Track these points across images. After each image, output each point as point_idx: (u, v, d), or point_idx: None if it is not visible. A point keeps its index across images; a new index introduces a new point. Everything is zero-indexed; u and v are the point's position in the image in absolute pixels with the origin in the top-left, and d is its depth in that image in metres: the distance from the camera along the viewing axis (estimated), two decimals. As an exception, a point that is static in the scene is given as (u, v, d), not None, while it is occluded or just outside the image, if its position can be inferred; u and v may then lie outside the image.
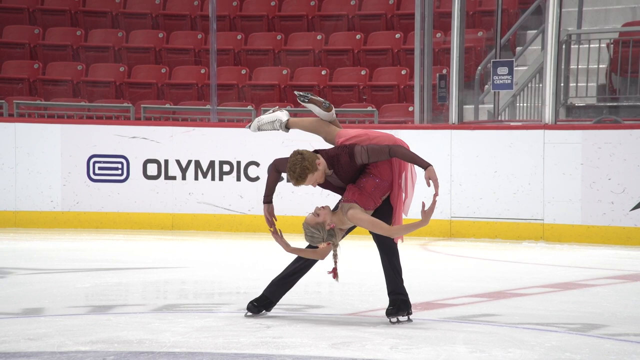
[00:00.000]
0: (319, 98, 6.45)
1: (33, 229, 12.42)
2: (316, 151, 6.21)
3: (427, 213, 6.01)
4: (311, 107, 6.44)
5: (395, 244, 6.29)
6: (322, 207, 6.17)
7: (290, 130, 6.62)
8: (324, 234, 6.13)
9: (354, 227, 6.29)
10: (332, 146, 6.38)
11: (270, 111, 6.66)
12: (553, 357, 5.42)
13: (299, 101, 6.55)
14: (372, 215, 6.17)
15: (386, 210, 6.25)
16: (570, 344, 5.78)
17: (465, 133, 11.70)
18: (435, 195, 6.03)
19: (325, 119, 6.46)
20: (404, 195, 6.28)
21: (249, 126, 6.70)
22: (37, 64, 15.65)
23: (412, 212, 6.44)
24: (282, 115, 6.59)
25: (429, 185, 6.04)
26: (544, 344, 5.75)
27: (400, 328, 6.16)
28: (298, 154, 6.10)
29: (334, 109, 6.47)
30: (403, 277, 6.32)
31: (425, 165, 6.04)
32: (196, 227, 12.39)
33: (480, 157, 11.57)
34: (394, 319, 6.29)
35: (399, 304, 6.28)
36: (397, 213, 6.27)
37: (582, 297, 7.71)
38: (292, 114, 6.68)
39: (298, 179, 6.08)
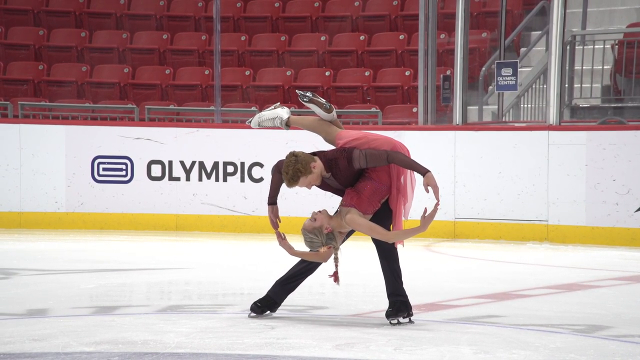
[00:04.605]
0: (320, 99, 6.45)
1: (37, 230, 12.43)
2: (314, 153, 6.21)
3: (426, 219, 6.00)
4: (312, 107, 6.44)
5: (395, 248, 6.29)
6: (319, 211, 6.16)
7: (291, 128, 6.61)
8: (322, 238, 6.12)
9: (354, 230, 6.29)
10: (332, 146, 6.38)
11: (272, 107, 6.66)
12: (557, 358, 5.42)
13: (300, 100, 6.56)
14: (372, 218, 6.16)
15: (386, 214, 6.24)
16: (574, 345, 5.77)
17: (469, 134, 11.69)
18: (437, 203, 6.01)
19: (326, 119, 6.46)
20: (403, 199, 6.27)
21: (250, 121, 6.71)
22: (42, 65, 15.67)
23: (414, 214, 6.43)
24: (283, 112, 6.59)
25: (427, 191, 6.03)
26: (548, 345, 5.74)
27: (404, 329, 6.16)
28: (292, 155, 6.10)
29: (334, 110, 6.46)
30: (403, 280, 6.32)
31: (423, 171, 6.03)
32: (200, 228, 12.39)
33: (485, 158, 11.56)
34: (394, 321, 6.29)
35: (398, 306, 6.28)
36: (397, 217, 6.26)
37: (587, 298, 7.70)
38: (295, 114, 6.68)
39: (290, 180, 6.09)
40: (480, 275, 9.08)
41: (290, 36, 15.80)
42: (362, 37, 15.42)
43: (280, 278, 6.49)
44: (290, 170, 6.07)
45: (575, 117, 13.47)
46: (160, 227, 12.43)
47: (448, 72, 13.10)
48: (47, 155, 12.48)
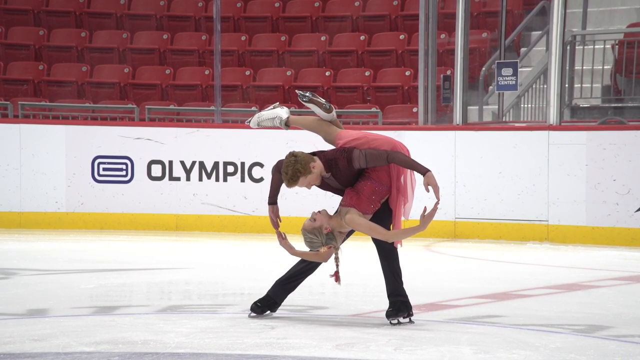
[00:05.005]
0: (319, 99, 6.46)
1: (38, 230, 12.43)
2: (314, 153, 6.21)
3: (426, 218, 6.00)
4: (312, 107, 6.45)
5: (395, 248, 6.29)
6: (319, 211, 6.17)
7: (291, 128, 6.61)
8: (322, 238, 6.13)
9: (354, 230, 6.29)
10: (332, 146, 6.39)
11: (271, 107, 6.66)
12: (557, 358, 5.42)
13: (299, 100, 6.56)
14: (372, 218, 6.16)
15: (386, 214, 6.24)
16: (575, 345, 5.77)
17: (470, 134, 11.70)
18: (437, 202, 6.01)
19: (325, 119, 6.46)
20: (403, 198, 6.27)
21: (249, 121, 6.72)
22: (42, 65, 15.67)
23: (414, 214, 6.43)
24: (282, 112, 6.60)
25: (427, 191, 6.03)
26: (548, 345, 5.74)
27: (404, 329, 6.16)
28: (292, 155, 6.11)
29: (334, 110, 6.47)
30: (403, 279, 6.33)
31: (423, 171, 6.03)
32: (200, 228, 12.39)
33: (485, 158, 11.56)
34: (394, 321, 6.29)
35: (398, 306, 6.28)
36: (397, 217, 6.26)
37: (587, 298, 7.70)
38: (295, 114, 6.69)
39: (290, 180, 6.10)
40: (480, 275, 9.08)
41: (290, 36, 15.79)
42: (362, 37, 15.42)
43: (280, 278, 6.49)
44: (289, 171, 6.07)
45: (576, 117, 13.48)
46: (160, 227, 12.43)
47: (448, 72, 13.10)
48: (47, 155, 12.48)
